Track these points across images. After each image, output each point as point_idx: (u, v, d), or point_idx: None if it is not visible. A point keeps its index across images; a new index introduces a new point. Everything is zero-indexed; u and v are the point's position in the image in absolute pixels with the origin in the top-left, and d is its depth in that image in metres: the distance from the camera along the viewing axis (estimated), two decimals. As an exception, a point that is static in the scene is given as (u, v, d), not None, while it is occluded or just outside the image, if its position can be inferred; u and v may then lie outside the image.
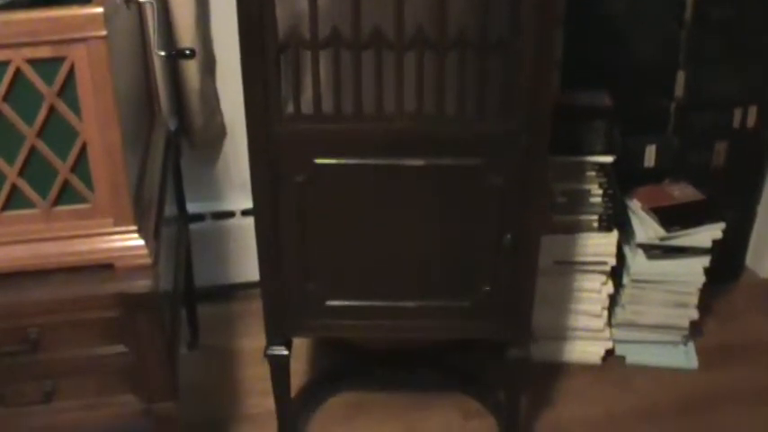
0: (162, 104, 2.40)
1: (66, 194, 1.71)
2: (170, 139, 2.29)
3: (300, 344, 2.48)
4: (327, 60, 1.75)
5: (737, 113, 2.66)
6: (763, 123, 2.70)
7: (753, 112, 2.67)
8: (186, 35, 2.38)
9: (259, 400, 2.39)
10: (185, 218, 2.50)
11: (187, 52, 1.95)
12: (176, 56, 1.96)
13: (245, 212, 2.71)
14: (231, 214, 2.73)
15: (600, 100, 2.35)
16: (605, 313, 2.52)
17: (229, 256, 2.76)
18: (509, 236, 1.89)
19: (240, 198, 2.70)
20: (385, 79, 1.76)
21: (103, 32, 1.58)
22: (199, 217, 2.68)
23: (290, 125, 1.81)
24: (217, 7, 2.49)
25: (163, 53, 1.92)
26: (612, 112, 2.31)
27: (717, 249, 2.48)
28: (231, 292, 2.82)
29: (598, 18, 2.42)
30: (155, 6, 1.91)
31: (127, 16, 1.90)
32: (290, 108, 1.80)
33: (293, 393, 2.24)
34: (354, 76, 1.76)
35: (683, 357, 2.60)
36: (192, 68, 2.43)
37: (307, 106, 1.80)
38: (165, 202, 2.00)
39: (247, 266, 2.73)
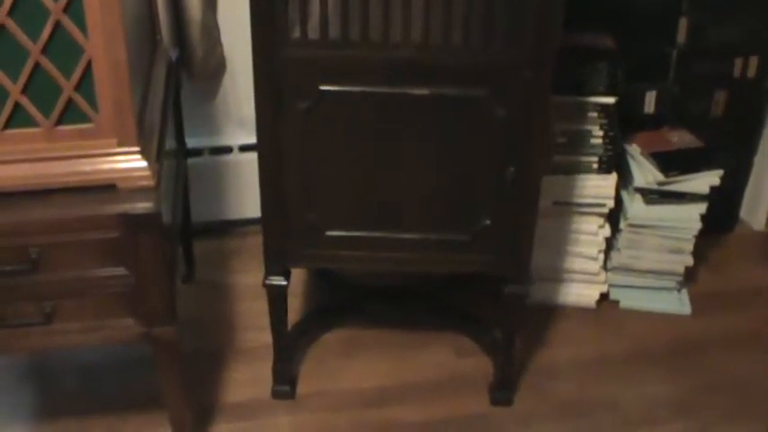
0: (163, 35, 2.38)
1: (70, 113, 1.70)
2: (171, 68, 2.27)
3: (296, 280, 2.48)
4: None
5: (738, 63, 2.66)
6: (763, 74, 2.70)
7: (753, 62, 2.66)
8: None
9: (255, 335, 2.40)
10: (184, 151, 2.49)
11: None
12: None
13: (242, 148, 2.70)
14: (229, 149, 2.72)
15: (603, 42, 2.34)
16: (601, 257, 2.53)
17: (226, 192, 2.76)
18: (512, 169, 1.89)
19: (238, 133, 2.70)
20: (392, 6, 1.75)
21: (111, -52, 1.55)
22: (196, 152, 2.67)
23: (296, 50, 1.80)
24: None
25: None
26: (616, 55, 2.30)
27: (712, 199, 2.48)
28: (228, 228, 2.82)
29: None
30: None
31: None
32: (297, 33, 1.79)
33: (289, 328, 2.23)
34: (362, 1, 1.74)
35: (677, 303, 2.61)
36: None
37: (313, 31, 1.79)
38: (167, 130, 1.99)
39: (244, 203, 2.74)
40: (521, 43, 1.78)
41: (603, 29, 2.45)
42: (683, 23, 2.57)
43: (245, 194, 2.70)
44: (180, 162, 2.42)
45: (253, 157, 2.06)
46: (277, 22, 1.76)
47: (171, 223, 1.96)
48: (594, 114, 2.31)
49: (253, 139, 1.98)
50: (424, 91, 1.81)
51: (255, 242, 2.18)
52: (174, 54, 2.37)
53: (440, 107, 1.84)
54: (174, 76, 2.28)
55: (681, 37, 2.58)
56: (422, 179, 1.93)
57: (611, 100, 2.29)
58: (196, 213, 2.62)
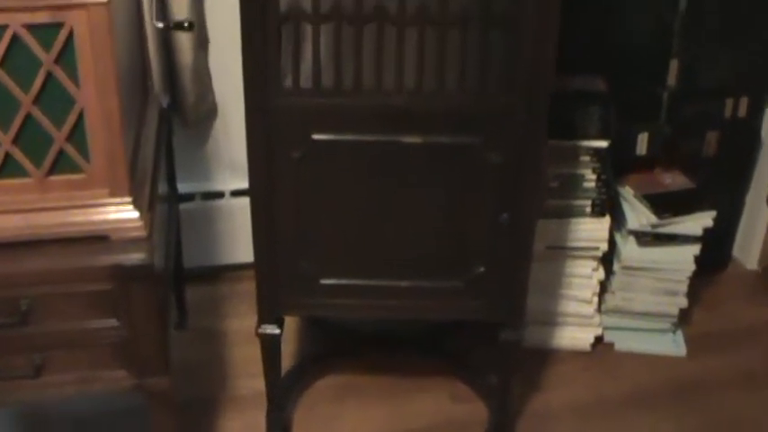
0: (154, 81, 2.37)
1: (62, 163, 1.69)
2: (163, 115, 2.27)
3: (289, 325, 2.46)
4: (328, 34, 1.73)
5: (729, 103, 2.66)
6: (753, 113, 2.71)
7: (744, 102, 2.67)
8: (180, 10, 2.36)
9: (248, 382, 2.38)
10: (176, 197, 2.48)
11: (185, 24, 1.93)
12: (174, 28, 1.93)
13: (234, 193, 2.69)
14: (221, 195, 2.71)
15: (595, 85, 2.35)
16: (595, 299, 2.52)
17: (218, 237, 2.74)
18: (506, 215, 1.88)
19: (230, 178, 2.69)
20: (385, 54, 1.75)
21: (104, -1, 1.55)
22: (188, 197, 2.65)
23: (288, 99, 1.80)
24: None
25: (161, 24, 1.89)
26: (608, 97, 2.30)
27: (705, 238, 2.48)
28: (220, 273, 2.80)
29: (593, 2, 2.40)
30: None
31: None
32: (289, 82, 1.78)
33: (282, 374, 2.21)
34: (355, 50, 1.74)
35: (672, 344, 2.60)
36: (185, 45, 2.41)
37: (306, 80, 1.79)
38: (159, 178, 1.98)
39: (236, 248, 2.72)
40: (514, 90, 1.78)
41: (594, 71, 2.45)
42: (673, 65, 2.56)
43: (237, 239, 2.69)
44: (172, 207, 2.41)
45: (245, 202, 2.05)
46: (269, 71, 1.75)
47: (163, 270, 1.95)
48: (587, 158, 2.31)
49: (245, 184, 1.97)
50: (417, 139, 1.81)
51: (248, 287, 2.16)
52: (165, 100, 2.37)
53: (433, 154, 1.84)
54: (165, 122, 2.27)
55: (672, 78, 2.58)
56: (415, 226, 1.92)
57: (603, 144, 2.29)
58: (188, 258, 2.60)
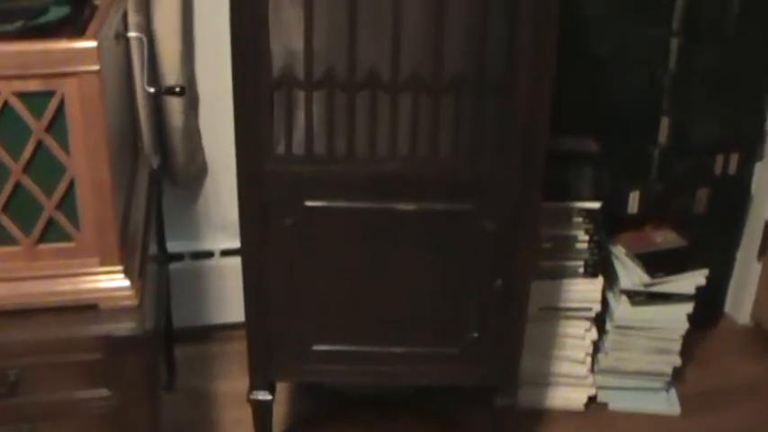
0: (144, 142, 2.36)
1: (51, 232, 1.66)
2: (153, 177, 2.25)
3: (281, 386, 2.43)
4: (321, 100, 1.73)
5: (719, 160, 2.67)
6: (743, 170, 2.72)
7: (734, 159, 2.68)
8: (171, 72, 2.36)
9: (238, 445, 2.34)
10: (165, 257, 2.45)
11: (177, 89, 1.92)
12: (166, 93, 1.93)
13: (224, 253, 2.67)
14: (210, 254, 2.68)
15: (587, 145, 2.35)
16: (589, 359, 2.50)
17: (208, 297, 2.72)
18: (499, 281, 1.87)
19: (220, 238, 2.67)
20: (378, 121, 1.74)
21: (97, 67, 1.54)
22: (178, 256, 2.63)
23: (281, 166, 1.79)
24: (200, 44, 2.46)
25: (152, 89, 1.88)
26: (600, 158, 2.30)
27: (698, 296, 2.46)
28: (210, 333, 2.77)
29: (583, 62, 2.41)
30: (144, 42, 1.87)
31: (116, 51, 1.87)
32: (281, 148, 1.77)
33: (273, 438, 2.19)
34: (348, 117, 1.73)
35: (666, 403, 2.58)
36: (175, 106, 2.40)
37: (298, 147, 1.78)
38: (150, 243, 1.96)
39: (226, 307, 2.70)
40: (508, 156, 1.78)
41: (585, 130, 2.44)
42: (664, 123, 2.57)
43: (227, 299, 2.67)
44: (161, 267, 2.38)
45: (234, 261, 2.04)
46: (262, 137, 1.74)
47: (154, 335, 1.92)
48: (580, 219, 2.30)
49: (235, 244, 1.96)
50: (410, 206, 1.80)
51: (238, 347, 2.13)
52: (155, 162, 2.35)
53: (427, 221, 1.83)
54: (156, 184, 2.26)
55: (662, 136, 2.58)
56: (409, 293, 1.91)
57: (596, 205, 2.28)
58: (178, 318, 2.58)
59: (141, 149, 2.22)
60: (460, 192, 1.81)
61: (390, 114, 1.74)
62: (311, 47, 1.68)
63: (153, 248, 2.19)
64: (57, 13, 1.68)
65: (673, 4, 2.44)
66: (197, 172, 2.57)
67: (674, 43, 2.48)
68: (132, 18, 2.28)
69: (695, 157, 2.64)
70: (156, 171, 2.32)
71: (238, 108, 1.72)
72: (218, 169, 2.58)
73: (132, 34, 1.87)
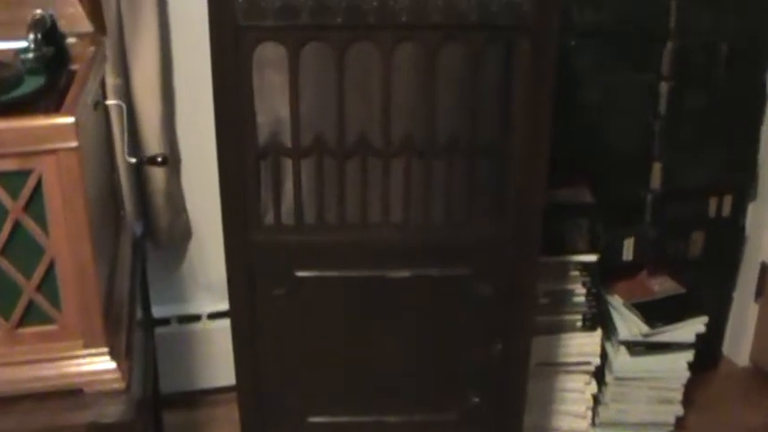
0: (126, 206, 2.30)
1: (32, 314, 1.59)
2: (137, 244, 2.18)
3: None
4: (310, 168, 1.67)
5: (713, 203, 2.64)
6: (737, 212, 2.70)
7: (728, 200, 2.66)
8: (152, 136, 2.31)
9: None
10: (151, 322, 2.38)
11: (159, 159, 1.86)
12: (147, 163, 1.86)
13: (211, 316, 2.60)
14: (197, 318, 2.62)
15: (582, 196, 2.31)
16: (589, 413, 2.44)
17: (196, 361, 2.65)
18: (499, 345, 1.81)
19: (206, 301, 2.60)
20: (370, 187, 1.68)
21: (75, 144, 1.48)
22: (164, 321, 2.56)
23: (270, 236, 1.73)
24: (182, 103, 2.41)
25: (133, 160, 1.82)
26: (595, 209, 2.26)
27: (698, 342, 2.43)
28: (198, 397, 2.70)
29: (573, 109, 2.37)
30: (124, 109, 1.81)
31: (95, 119, 1.81)
32: (270, 218, 1.71)
33: None
34: (338, 184, 1.68)
35: (669, 453, 2.52)
36: (157, 170, 2.34)
37: (287, 216, 1.72)
38: (136, 317, 1.89)
39: (215, 371, 2.63)
40: (504, 219, 1.72)
41: (577, 179, 2.40)
42: (656, 168, 2.55)
43: (215, 363, 2.60)
44: (147, 333, 2.31)
45: (222, 324, 1.98)
46: (249, 207, 1.68)
47: (141, 399, 1.84)
48: (576, 273, 2.26)
49: (222, 306, 1.90)
50: (404, 273, 1.74)
51: (227, 411, 2.07)
52: (138, 228, 2.28)
53: (422, 287, 1.77)
54: (139, 251, 2.19)
55: (655, 181, 2.56)
56: (406, 360, 1.85)
57: (593, 258, 2.24)
58: (165, 384, 2.50)
59: (123, 217, 2.15)
60: (456, 257, 1.75)
61: (382, 180, 1.68)
62: (298, 114, 1.62)
63: (138, 314, 2.12)
64: (32, 84, 1.62)
65: (662, 48, 2.42)
66: (181, 234, 2.51)
67: (664, 87, 2.47)
68: (110, 80, 2.23)
69: (688, 200, 2.61)
70: (140, 237, 2.25)
71: (224, 178, 1.66)
72: (202, 230, 2.52)
73: (111, 102, 1.81)
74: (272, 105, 1.64)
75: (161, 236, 2.46)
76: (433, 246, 1.75)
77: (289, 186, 1.70)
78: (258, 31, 1.56)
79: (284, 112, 1.63)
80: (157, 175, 2.37)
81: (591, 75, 2.39)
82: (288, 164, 1.68)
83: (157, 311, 2.46)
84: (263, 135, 1.65)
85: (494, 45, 1.60)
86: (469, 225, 1.74)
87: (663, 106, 2.49)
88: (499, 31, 1.58)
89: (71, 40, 1.85)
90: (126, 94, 2.30)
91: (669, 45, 2.43)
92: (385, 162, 1.66)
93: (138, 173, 2.38)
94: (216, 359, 2.58)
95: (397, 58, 1.59)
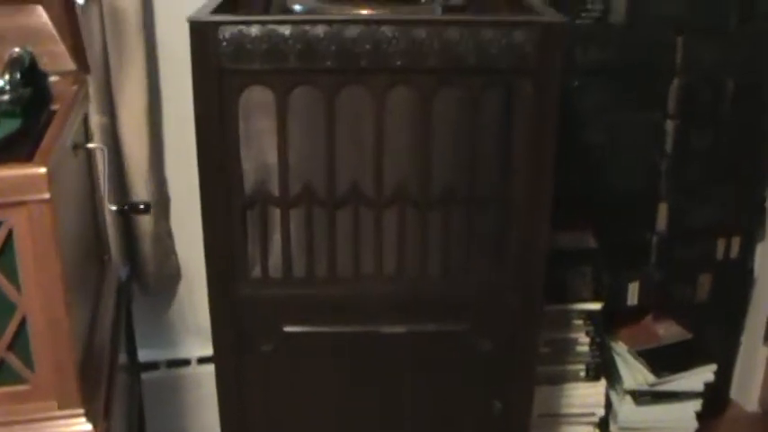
0: (111, 248, 2.21)
1: (2, 374, 1.50)
2: (122, 289, 2.09)
3: None
4: (299, 218, 1.58)
5: (721, 244, 2.56)
6: (746, 253, 2.61)
7: (736, 242, 2.57)
8: (139, 176, 2.23)
9: None
10: (137, 367, 2.29)
11: (141, 207, 1.77)
12: (130, 210, 1.77)
13: (201, 360, 2.51)
14: (187, 362, 2.52)
15: (585, 241, 2.22)
16: (594, 465, 2.34)
17: (185, 407, 2.55)
18: (498, 404, 1.71)
19: (196, 345, 2.51)
20: (362, 238, 1.59)
21: (47, 195, 1.39)
22: (152, 365, 2.47)
23: (257, 289, 1.64)
24: (171, 142, 2.33)
25: (114, 207, 1.73)
26: (599, 255, 2.17)
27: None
28: (187, 445, 2.60)
29: (576, 149, 2.29)
30: (105, 153, 1.73)
31: (74, 163, 1.72)
32: (257, 271, 1.62)
33: None
34: (329, 235, 1.59)
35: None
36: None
37: (275, 269, 1.62)
38: (117, 365, 1.79)
39: (205, 417, 2.53)
40: (504, 272, 1.63)
41: (580, 221, 2.32)
42: (662, 209, 2.47)
43: (205, 408, 2.50)
44: (133, 380, 2.22)
45: (212, 369, 1.87)
46: (235, 260, 1.59)
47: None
48: (580, 321, 2.18)
49: (212, 350, 1.79)
50: (399, 329, 1.65)
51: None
52: (124, 272, 2.19)
53: (417, 343, 1.68)
54: (124, 297, 2.10)
55: (661, 222, 2.48)
56: (400, 420, 1.74)
57: (597, 306, 2.15)
58: (152, 429, 2.40)
59: (108, 261, 2.06)
60: (453, 311, 1.66)
61: (375, 231, 1.59)
62: (286, 161, 1.54)
63: (123, 357, 2.03)
64: (6, 127, 1.53)
65: (667, 85, 2.35)
66: (170, 278, 2.42)
67: (670, 125, 2.40)
68: (95, 119, 2.15)
69: (695, 242, 2.53)
70: (126, 282, 2.16)
71: (208, 230, 1.57)
72: (192, 272, 2.43)
73: (92, 145, 1.72)
74: (259, 151, 1.55)
75: (149, 280, 2.37)
76: (428, 299, 1.66)
77: (277, 237, 1.61)
78: (244, 74, 1.47)
79: (272, 158, 1.55)
80: (145, 217, 2.28)
81: (594, 114, 2.32)
82: (276, 213, 1.59)
83: (145, 356, 2.38)
84: (249, 183, 1.57)
85: (493, 88, 1.51)
86: (468, 276, 1.65)
87: (669, 145, 2.41)
88: (499, 75, 1.50)
89: (53, 78, 1.77)
90: (112, 132, 2.21)
91: (675, 82, 2.36)
92: (377, 212, 1.57)
93: (125, 216, 2.29)
94: (206, 404, 2.48)
95: (391, 103, 1.50)
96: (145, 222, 2.29)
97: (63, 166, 1.54)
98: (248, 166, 1.56)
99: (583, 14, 2.29)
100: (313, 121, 1.52)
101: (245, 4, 1.73)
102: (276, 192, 1.57)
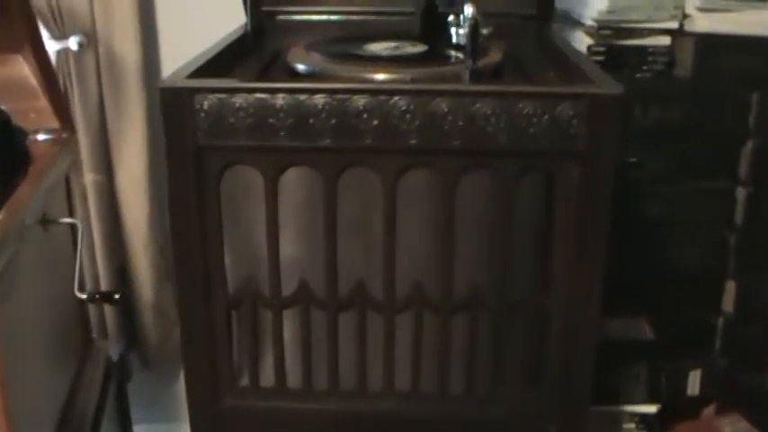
0: (108, 321, 1.98)
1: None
2: (111, 370, 1.85)
3: None
4: (294, 319, 1.31)
5: (797, 325, 2.28)
6: (825, 335, 2.30)
7: (814, 321, 2.28)
8: (138, 239, 2.03)
9: None
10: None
11: (116, 296, 1.51)
12: (101, 300, 1.52)
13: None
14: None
15: (639, 330, 1.94)
16: None
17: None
18: None
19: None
20: (370, 346, 1.32)
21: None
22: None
23: (245, 401, 1.37)
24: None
25: (84, 296, 1.48)
26: (656, 347, 1.89)
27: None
28: None
29: (631, 226, 2.01)
30: (79, 229, 1.48)
31: (43, 240, 1.48)
32: (246, 380, 1.35)
33: None
34: (329, 341, 1.31)
35: None
36: (144, 277, 2.02)
37: (266, 378, 1.35)
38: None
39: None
40: (540, 391, 1.34)
41: (632, 302, 2.03)
42: (729, 288, 2.21)
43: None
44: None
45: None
46: (219, 366, 1.34)
47: None
48: (632, 425, 1.88)
49: None
50: (414, 457, 1.36)
51: None
52: (117, 350, 1.94)
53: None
54: (116, 376, 1.85)
55: (728, 303, 2.21)
56: None
57: (652, 408, 1.86)
58: None
59: (94, 340, 1.81)
60: (478, 437, 1.37)
61: (385, 339, 1.31)
62: (277, 254, 1.28)
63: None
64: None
65: (739, 149, 2.10)
66: (173, 349, 2.16)
67: (741, 194, 2.13)
68: (90, 177, 1.91)
69: (766, 324, 2.25)
70: (119, 360, 1.91)
71: (187, 334, 1.32)
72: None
73: (66, 220, 1.47)
74: (248, 240, 1.29)
75: (149, 353, 2.13)
76: (449, 421, 1.37)
77: (268, 342, 1.34)
78: (226, 152, 1.21)
79: (262, 249, 1.28)
80: (145, 284, 2.05)
81: (652, 183, 2.06)
82: (267, 315, 1.32)
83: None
84: (235, 278, 1.30)
85: (531, 174, 1.24)
86: (495, 397, 1.36)
87: (739, 216, 2.15)
88: (539, 158, 1.22)
89: (43, 136, 1.55)
90: (109, 192, 1.98)
91: (749, 144, 2.10)
92: (388, 318, 1.30)
93: (123, 282, 2.05)
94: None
95: (405, 187, 1.23)
96: (145, 290, 2.06)
97: (23, 245, 1.30)
98: (234, 258, 1.29)
99: (644, 68, 2.01)
100: (311, 204, 1.25)
101: (244, 61, 1.48)
102: (267, 289, 1.30)
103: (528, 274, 1.30)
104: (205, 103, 1.18)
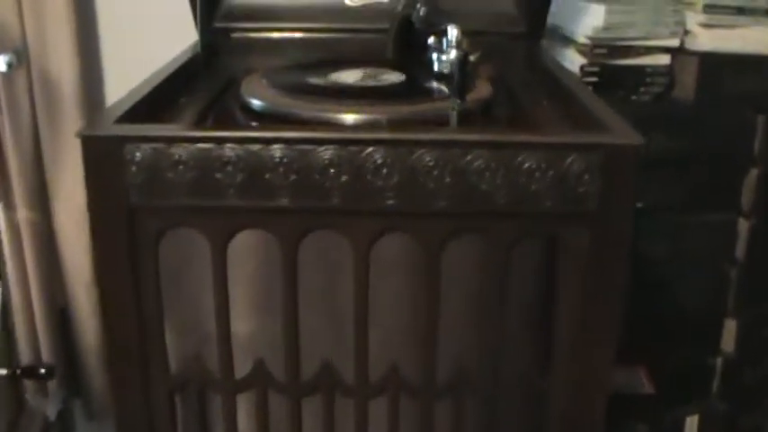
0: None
1: None
2: (50, 425, 1.65)
3: None
4: (250, 404, 1.11)
5: (801, 366, 2.14)
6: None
7: (819, 361, 2.14)
8: (80, 289, 1.85)
9: None
10: None
11: (42, 371, 1.29)
12: (23, 376, 1.30)
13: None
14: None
15: (636, 382, 1.79)
16: None
17: None
18: None
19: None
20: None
21: None
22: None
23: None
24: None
25: (4, 371, 1.26)
26: (655, 402, 1.73)
27: None
28: None
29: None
30: None
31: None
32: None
33: None
34: (291, 430, 1.11)
35: None
36: (87, 321, 1.81)
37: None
38: None
39: None
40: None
41: (626, 347, 1.84)
42: (729, 326, 2.07)
43: None
44: None
45: None
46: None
47: None
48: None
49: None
50: None
51: None
52: (55, 405, 1.74)
53: None
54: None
55: (727, 342, 2.07)
56: None
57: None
58: None
59: (26, 405, 1.60)
60: None
61: (356, 428, 1.11)
62: (228, 330, 1.07)
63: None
64: None
65: (742, 177, 1.95)
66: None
67: (744, 226, 1.99)
68: (22, 214, 1.70)
69: (768, 364, 2.12)
70: (57, 419, 1.71)
71: (121, 415, 1.10)
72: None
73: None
74: (192, 314, 1.08)
75: (94, 403, 1.93)
76: None
77: (219, 429, 1.14)
78: (164, 214, 1.00)
79: (210, 324, 1.07)
80: (88, 330, 1.84)
81: (646, 216, 1.89)
82: (217, 400, 1.12)
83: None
84: (179, 358, 1.09)
85: (532, 239, 1.04)
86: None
87: (741, 249, 2.01)
88: (542, 220, 1.01)
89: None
90: (45, 232, 1.76)
91: (753, 172, 1.95)
92: (360, 403, 1.09)
93: (64, 326, 1.84)
94: None
95: (379, 251, 1.02)
96: (88, 338, 1.84)
97: None
98: (177, 336, 1.08)
99: (641, 89, 1.83)
100: (268, 272, 1.05)
101: (193, 90, 1.27)
102: (216, 371, 1.09)
103: (524, 353, 1.10)
104: (138, 154, 0.97)
